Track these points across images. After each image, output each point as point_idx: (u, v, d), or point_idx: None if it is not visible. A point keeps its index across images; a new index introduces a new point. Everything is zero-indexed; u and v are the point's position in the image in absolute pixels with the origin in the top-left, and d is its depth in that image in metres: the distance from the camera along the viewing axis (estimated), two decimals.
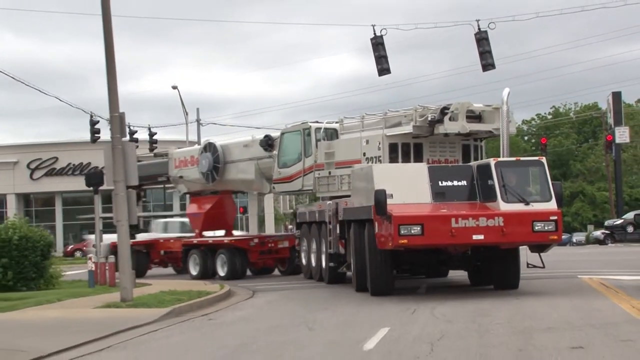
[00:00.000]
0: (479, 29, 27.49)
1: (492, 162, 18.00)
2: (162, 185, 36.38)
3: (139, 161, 32.66)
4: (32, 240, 23.23)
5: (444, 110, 20.05)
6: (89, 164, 71.81)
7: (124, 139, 18.23)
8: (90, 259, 24.54)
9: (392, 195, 17.38)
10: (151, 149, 45.86)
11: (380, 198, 17.25)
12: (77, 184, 72.14)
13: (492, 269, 19.18)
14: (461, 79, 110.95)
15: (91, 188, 27.05)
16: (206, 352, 11.86)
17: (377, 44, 27.55)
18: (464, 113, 20.15)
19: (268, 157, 25.78)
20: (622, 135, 52.26)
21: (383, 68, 27.65)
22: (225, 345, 12.34)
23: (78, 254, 62.55)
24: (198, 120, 59.33)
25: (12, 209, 72.62)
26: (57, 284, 24.57)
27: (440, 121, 20.02)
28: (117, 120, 17.68)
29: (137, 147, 45.05)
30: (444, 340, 11.69)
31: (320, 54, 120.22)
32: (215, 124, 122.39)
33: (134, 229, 32.21)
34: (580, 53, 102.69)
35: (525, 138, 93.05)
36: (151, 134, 52.21)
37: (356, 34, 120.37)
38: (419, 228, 16.98)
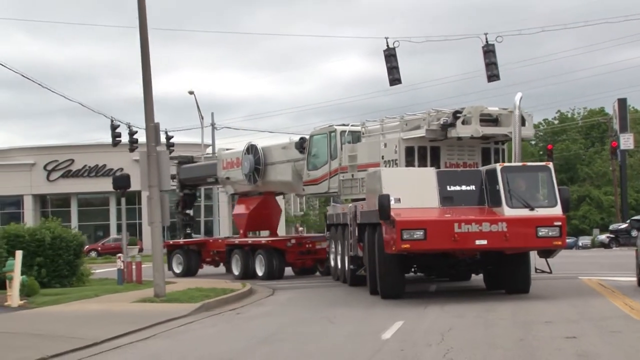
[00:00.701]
0: (487, 41, 28.79)
1: (498, 167, 18.30)
2: (212, 186, 37.16)
3: (194, 162, 32.96)
4: (66, 240, 24.75)
5: (456, 114, 20.26)
6: (104, 165, 73.61)
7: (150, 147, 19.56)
8: (119, 258, 26.02)
9: (399, 199, 17.61)
10: (169, 152, 47.08)
11: (384, 203, 17.44)
12: (93, 185, 74.07)
13: (502, 273, 19.37)
14: (472, 83, 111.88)
15: (119, 190, 28.34)
16: (240, 340, 13.30)
17: (390, 55, 28.84)
18: (477, 117, 20.31)
19: (303, 160, 26.35)
20: (627, 141, 53.49)
21: (394, 78, 28.96)
22: (256, 335, 13.79)
23: (93, 254, 64.00)
24: (213, 125, 60.91)
25: (29, 210, 74.45)
26: (87, 281, 26.06)
27: (452, 125, 20.20)
28: (152, 130, 19.16)
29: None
30: (453, 331, 13.11)
31: (330, 57, 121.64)
32: (229, 127, 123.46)
33: (189, 229, 33.20)
34: (589, 58, 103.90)
35: (533, 142, 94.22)
36: (168, 138, 53.58)
37: (367, 36, 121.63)
38: (421, 233, 17.11)
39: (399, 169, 20.35)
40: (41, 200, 76.75)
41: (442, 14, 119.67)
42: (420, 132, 20.71)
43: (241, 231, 30.51)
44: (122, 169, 71.91)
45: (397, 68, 28.84)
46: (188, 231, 33.73)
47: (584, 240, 71.83)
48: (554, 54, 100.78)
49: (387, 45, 28.83)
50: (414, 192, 17.95)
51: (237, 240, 29.90)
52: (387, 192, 17.67)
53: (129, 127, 47.09)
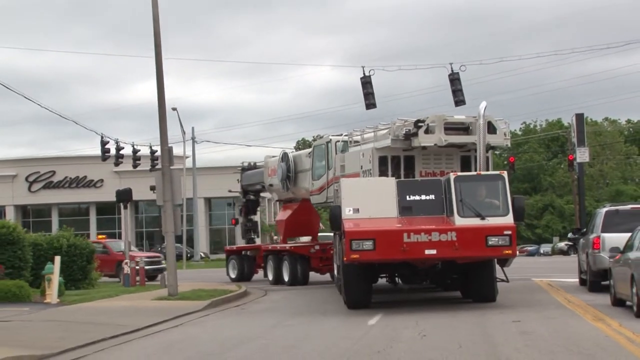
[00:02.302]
0: (452, 70, 32.07)
1: (452, 176, 18.18)
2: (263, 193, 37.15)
3: (254, 168, 34.31)
4: (80, 248, 27.77)
5: (417, 124, 20.15)
6: (85, 177, 76.34)
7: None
8: (126, 264, 29.06)
9: (358, 209, 17.74)
10: (152, 166, 49.93)
11: (335, 213, 17.92)
12: (73, 196, 76.77)
13: (468, 282, 19.59)
14: (445, 93, 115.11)
15: (122, 203, 31.27)
16: (254, 326, 16.48)
17: (365, 82, 31.83)
18: (442, 125, 20.18)
19: None
20: (583, 155, 56.93)
21: (370, 103, 31.99)
22: (266, 323, 17.01)
23: None
24: (193, 139, 63.88)
25: (10, 220, 76.60)
26: (97, 285, 29.08)
27: (415, 134, 20.11)
28: (166, 153, 22.42)
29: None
30: (425, 318, 16.42)
31: (304, 65, 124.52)
32: (209, 141, 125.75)
33: (252, 234, 34.57)
34: (552, 70, 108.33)
35: (497, 152, 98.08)
36: (152, 152, 56.28)
37: (343, 43, 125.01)
38: (370, 243, 17.08)
39: (360, 179, 20.61)
40: (22, 210, 79.06)
41: (418, 22, 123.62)
42: (388, 142, 20.73)
43: (281, 237, 31.42)
44: (102, 180, 74.93)
45: (372, 94, 31.71)
46: (252, 236, 34.81)
47: (545, 247, 76.23)
48: (529, 66, 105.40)
49: (364, 73, 31.81)
50: (373, 202, 17.96)
51: (270, 246, 31.33)
52: (345, 202, 17.98)
53: (117, 142, 50.09)
